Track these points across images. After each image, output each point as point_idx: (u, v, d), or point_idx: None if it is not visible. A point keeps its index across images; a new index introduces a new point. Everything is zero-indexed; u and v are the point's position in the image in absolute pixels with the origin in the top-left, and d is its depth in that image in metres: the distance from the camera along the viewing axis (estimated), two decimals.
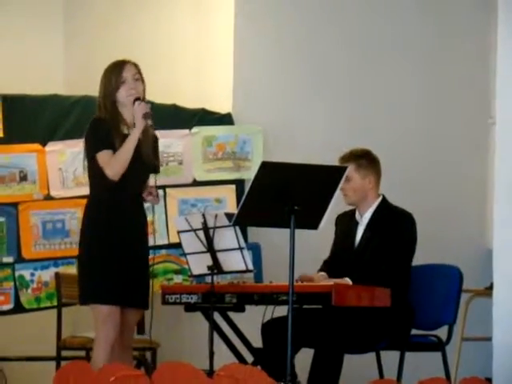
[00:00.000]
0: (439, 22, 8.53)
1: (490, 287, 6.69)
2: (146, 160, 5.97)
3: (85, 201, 6.07)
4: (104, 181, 5.90)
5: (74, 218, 7.70)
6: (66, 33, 8.86)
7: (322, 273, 6.50)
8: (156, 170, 6.06)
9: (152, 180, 6.06)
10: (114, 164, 5.88)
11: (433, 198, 8.12)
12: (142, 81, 6.04)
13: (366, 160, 6.59)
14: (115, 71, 6.00)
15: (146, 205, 6.14)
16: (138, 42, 8.34)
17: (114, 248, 5.90)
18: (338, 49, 8.32)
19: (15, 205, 7.83)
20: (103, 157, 5.88)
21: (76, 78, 8.53)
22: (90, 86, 6.62)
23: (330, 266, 6.61)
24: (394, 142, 7.87)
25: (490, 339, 6.48)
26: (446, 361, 6.54)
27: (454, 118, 8.48)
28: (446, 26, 8.55)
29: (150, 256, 6.26)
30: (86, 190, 6.08)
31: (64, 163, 7.80)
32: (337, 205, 6.04)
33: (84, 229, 5.99)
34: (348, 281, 6.22)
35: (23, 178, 7.86)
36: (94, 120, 5.99)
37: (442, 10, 8.54)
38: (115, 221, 5.91)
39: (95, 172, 5.96)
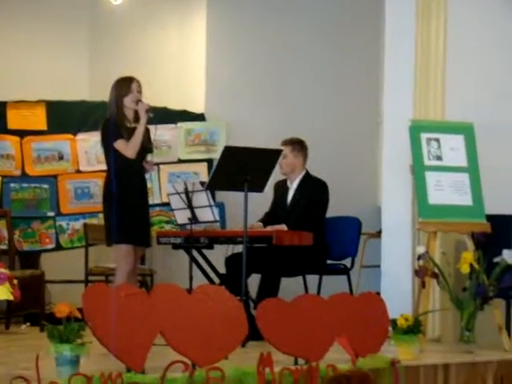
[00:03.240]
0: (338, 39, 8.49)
1: (380, 231, 6.77)
2: (144, 144, 5.91)
3: (104, 173, 6.02)
4: (120, 158, 5.77)
5: (96, 186, 7.66)
6: (90, 50, 8.72)
7: (259, 223, 6.51)
8: (151, 151, 6.01)
9: (149, 157, 6.01)
10: (132, 147, 5.78)
11: (341, 172, 8.10)
12: (141, 93, 5.96)
13: (298, 145, 6.60)
14: (125, 83, 5.89)
15: (147, 175, 6.09)
16: (140, 60, 8.23)
17: (127, 203, 5.77)
18: (280, 63, 8.28)
19: (55, 176, 7.79)
20: (120, 144, 5.78)
21: (98, 86, 8.42)
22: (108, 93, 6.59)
23: (270, 217, 6.62)
24: (316, 133, 7.86)
25: (379, 266, 6.57)
26: (350, 281, 6.57)
27: (352, 116, 8.47)
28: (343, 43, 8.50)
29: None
30: (104, 166, 6.03)
31: (89, 148, 7.75)
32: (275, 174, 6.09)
33: (105, 191, 5.87)
34: (284, 227, 6.25)
35: (61, 157, 7.82)
36: (106, 120, 5.90)
37: (338, 24, 8.48)
38: (127, 183, 5.83)
39: (112, 153, 5.81)
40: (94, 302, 4.32)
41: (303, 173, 6.58)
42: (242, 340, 4.82)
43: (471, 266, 5.55)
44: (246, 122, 7.98)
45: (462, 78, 6.41)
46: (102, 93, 7.45)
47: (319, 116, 8.32)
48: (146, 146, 5.93)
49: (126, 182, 5.79)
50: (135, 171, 5.87)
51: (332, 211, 6.62)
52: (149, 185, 6.31)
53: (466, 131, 6.12)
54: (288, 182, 6.61)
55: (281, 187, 6.65)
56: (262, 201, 6.55)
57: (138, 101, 5.85)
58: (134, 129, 5.82)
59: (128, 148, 5.78)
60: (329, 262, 6.59)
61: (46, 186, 7.73)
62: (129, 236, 5.73)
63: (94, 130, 7.08)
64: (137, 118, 5.86)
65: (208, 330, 4.48)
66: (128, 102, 5.88)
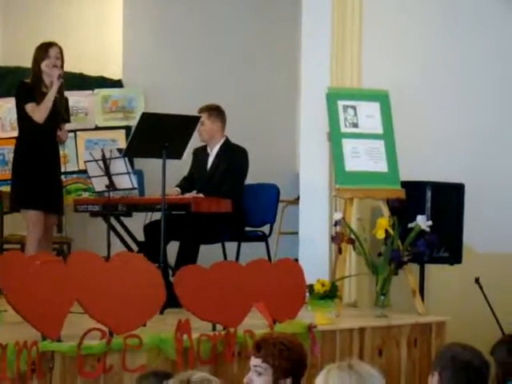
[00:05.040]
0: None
1: (297, 198, 6.82)
2: (59, 111, 5.85)
3: None
4: (31, 123, 5.78)
5: (11, 152, 7.46)
6: (2, 15, 8.49)
7: (177, 188, 6.48)
8: (68, 121, 5.94)
9: (65, 126, 5.95)
10: (40, 111, 5.75)
11: (260, 139, 8.11)
12: (62, 59, 5.92)
13: (215, 111, 6.56)
14: (44, 48, 5.87)
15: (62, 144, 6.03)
16: (59, 28, 8.06)
17: (36, 168, 5.75)
18: (199, 29, 8.23)
19: None
20: (30, 107, 5.75)
21: (11, 52, 8.23)
22: (22, 59, 6.47)
23: (187, 182, 6.60)
24: (235, 100, 7.85)
25: (297, 233, 6.63)
26: (269, 248, 6.58)
27: (271, 84, 8.47)
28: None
29: (65, 179, 6.16)
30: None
31: (2, 114, 7.57)
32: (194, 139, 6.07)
33: (15, 156, 5.87)
34: (200, 195, 6.21)
35: None
36: (20, 83, 5.87)
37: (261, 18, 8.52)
38: (37, 149, 5.77)
39: (24, 118, 5.84)
40: (8, 269, 4.27)
41: (223, 140, 6.56)
42: (159, 307, 4.83)
43: (386, 231, 5.65)
44: (164, 89, 7.91)
45: (379, 46, 6.50)
46: (15, 58, 7.30)
47: (238, 83, 8.31)
48: (62, 115, 5.86)
49: (35, 147, 5.75)
50: (47, 137, 5.81)
51: (251, 178, 6.63)
52: (65, 152, 6.24)
53: (382, 99, 6.19)
54: (208, 149, 6.59)
55: (200, 153, 6.62)
56: (180, 168, 6.53)
57: (54, 66, 5.79)
58: None
59: (37, 111, 5.72)
60: (247, 228, 6.60)
61: None
62: (37, 202, 5.70)
63: (8, 95, 6.94)
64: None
65: (125, 297, 4.46)
66: (45, 67, 5.83)
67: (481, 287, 6.18)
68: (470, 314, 6.49)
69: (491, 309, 6.14)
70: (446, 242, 6.17)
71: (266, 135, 8.34)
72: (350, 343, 5.21)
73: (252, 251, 6.20)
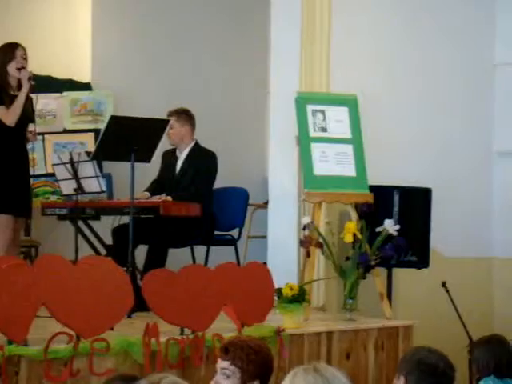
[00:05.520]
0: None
1: (266, 202, 6.84)
2: (26, 113, 5.80)
3: None
4: (0, 126, 5.69)
5: None
6: None
7: (146, 192, 6.47)
8: (33, 120, 5.86)
9: (32, 127, 5.88)
10: (12, 114, 5.65)
11: (230, 143, 8.13)
12: (26, 60, 5.85)
13: (184, 115, 6.57)
14: (10, 49, 5.77)
15: (29, 146, 5.97)
16: (27, 30, 8.00)
17: (7, 173, 5.65)
18: (168, 32, 8.22)
19: None
20: (1, 111, 5.67)
21: None
22: None
23: (156, 185, 6.59)
24: (205, 104, 7.85)
25: (266, 237, 6.65)
26: (238, 252, 6.63)
27: (241, 88, 8.49)
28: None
29: (33, 182, 6.11)
30: None
31: None
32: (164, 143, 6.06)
33: None
34: (169, 198, 6.22)
35: None
36: None
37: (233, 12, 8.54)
38: (7, 153, 5.67)
39: None
40: None
41: (192, 143, 6.56)
42: (127, 311, 4.82)
43: (354, 235, 5.68)
44: (133, 92, 7.90)
45: (347, 51, 6.53)
46: None
47: (208, 87, 8.32)
48: (29, 116, 5.80)
49: (5, 151, 5.67)
50: (16, 140, 5.74)
51: (220, 182, 6.64)
52: (33, 155, 6.19)
53: (350, 103, 6.23)
54: (177, 152, 6.59)
55: (169, 157, 6.61)
56: (149, 171, 6.52)
57: (22, 68, 5.72)
58: (17, 97, 5.69)
59: (8, 115, 5.65)
60: (216, 232, 6.61)
61: None
62: (9, 206, 5.63)
63: None
64: (20, 86, 5.73)
65: (93, 301, 4.44)
66: (11, 68, 5.75)
67: (447, 291, 6.23)
68: (437, 317, 6.55)
69: (457, 312, 6.19)
70: (413, 246, 6.21)
71: (236, 139, 8.35)
72: (317, 347, 5.23)
73: (221, 255, 6.19)
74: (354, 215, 5.94)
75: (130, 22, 8.10)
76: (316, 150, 6.05)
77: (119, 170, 7.02)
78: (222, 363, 3.43)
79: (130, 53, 8.06)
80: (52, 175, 6.89)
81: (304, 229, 5.82)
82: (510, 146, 7.36)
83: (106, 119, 5.99)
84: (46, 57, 7.62)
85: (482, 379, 4.26)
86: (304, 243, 5.78)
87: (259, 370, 3.42)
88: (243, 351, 3.43)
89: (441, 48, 7.15)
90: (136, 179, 5.71)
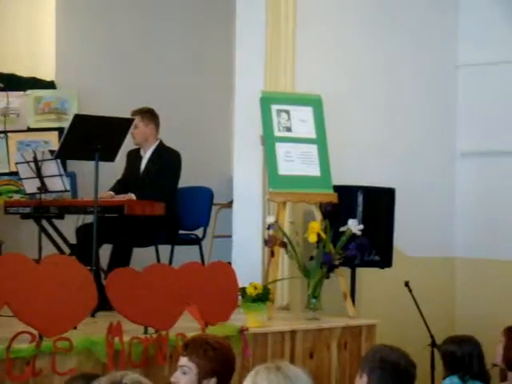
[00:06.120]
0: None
1: (231, 202, 6.85)
2: None
3: None
4: None
5: None
6: None
7: (110, 192, 6.45)
8: None
9: None
10: None
11: (195, 142, 8.13)
12: None
13: (149, 114, 6.56)
14: None
15: None
16: None
17: None
18: (133, 31, 8.19)
19: None
20: None
21: None
22: None
23: (121, 185, 6.58)
24: (170, 103, 7.84)
25: (230, 236, 6.65)
26: (202, 251, 6.61)
27: (206, 87, 8.49)
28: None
29: None
30: None
31: None
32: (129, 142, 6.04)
33: None
34: (132, 196, 6.21)
35: None
36: None
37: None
38: None
39: None
40: None
41: (156, 143, 6.55)
42: (91, 310, 4.80)
43: (318, 235, 5.70)
44: (97, 91, 7.86)
45: (312, 51, 6.56)
46: None
47: (173, 86, 8.30)
48: None
49: None
50: None
51: (185, 181, 6.64)
52: None
53: (315, 103, 6.25)
54: (141, 152, 6.58)
55: (134, 156, 6.60)
56: (113, 170, 6.49)
57: None
58: None
59: None
60: (181, 232, 6.60)
61: None
62: None
63: None
64: None
65: (56, 300, 4.42)
66: None
67: (410, 290, 6.28)
68: (400, 316, 6.60)
69: (420, 311, 6.24)
70: (376, 246, 6.26)
71: (201, 138, 8.35)
72: (281, 346, 5.24)
73: (185, 254, 6.19)
74: (318, 215, 5.96)
75: (94, 20, 8.05)
76: (280, 149, 6.06)
77: (83, 169, 6.99)
78: (181, 360, 3.46)
79: (95, 51, 8.02)
80: (15, 174, 6.85)
81: (268, 228, 5.83)
82: (472, 146, 7.44)
83: (70, 118, 5.96)
84: (9, 55, 7.58)
85: (447, 377, 4.32)
86: (268, 243, 5.80)
87: (217, 366, 3.43)
88: (201, 347, 3.46)
89: (404, 49, 7.21)
90: (100, 178, 5.68)
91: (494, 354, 4.55)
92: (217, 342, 3.51)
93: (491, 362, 4.55)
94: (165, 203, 6.16)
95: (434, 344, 6.16)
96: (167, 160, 6.45)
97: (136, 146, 6.59)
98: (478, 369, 4.34)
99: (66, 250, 6.43)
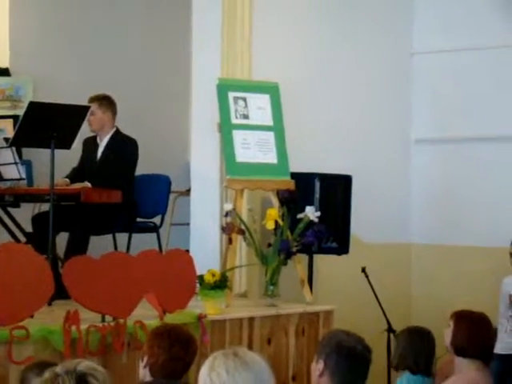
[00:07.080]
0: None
1: (189, 190, 6.84)
2: None
3: None
4: None
5: None
6: None
7: (65, 179, 6.40)
8: None
9: None
10: None
11: (152, 130, 8.05)
12: None
13: (105, 101, 6.50)
14: None
15: None
16: None
17: None
18: (89, 16, 8.10)
19: None
20: None
21: None
22: None
23: (77, 173, 6.53)
24: (126, 90, 7.76)
25: (188, 224, 6.65)
26: (160, 239, 6.58)
27: (163, 73, 8.41)
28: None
29: None
30: None
31: None
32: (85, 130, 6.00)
33: None
34: (88, 184, 6.17)
35: None
36: None
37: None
38: None
39: None
40: None
41: (113, 130, 6.52)
42: (48, 298, 4.78)
43: (276, 222, 5.73)
44: (53, 78, 7.77)
45: (268, 39, 6.57)
46: None
47: (130, 73, 8.23)
48: None
49: None
50: None
51: (142, 169, 6.61)
52: None
53: (272, 91, 6.27)
54: (98, 139, 6.53)
55: (90, 144, 6.55)
56: (70, 158, 6.45)
57: None
58: None
59: None
60: (138, 219, 6.58)
61: None
62: None
63: None
64: None
65: (12, 289, 4.40)
66: None
67: (367, 276, 6.34)
68: (357, 302, 6.66)
69: (376, 297, 6.30)
70: (334, 233, 6.29)
71: (158, 126, 8.30)
72: (239, 332, 5.27)
73: (143, 242, 6.18)
74: (275, 202, 5.98)
75: (49, 6, 7.94)
76: (238, 137, 6.07)
77: (39, 156, 6.92)
78: None
79: (50, 38, 7.92)
80: None
81: (226, 215, 5.84)
82: (426, 133, 7.52)
83: (25, 105, 5.90)
84: None
85: (400, 377, 4.37)
86: (226, 230, 5.81)
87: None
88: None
89: (360, 37, 7.25)
90: (57, 166, 5.65)
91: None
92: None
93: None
94: (122, 191, 6.13)
95: (390, 329, 6.23)
96: (124, 148, 6.41)
97: (92, 134, 6.54)
98: (425, 366, 4.38)
99: (22, 238, 6.37)
